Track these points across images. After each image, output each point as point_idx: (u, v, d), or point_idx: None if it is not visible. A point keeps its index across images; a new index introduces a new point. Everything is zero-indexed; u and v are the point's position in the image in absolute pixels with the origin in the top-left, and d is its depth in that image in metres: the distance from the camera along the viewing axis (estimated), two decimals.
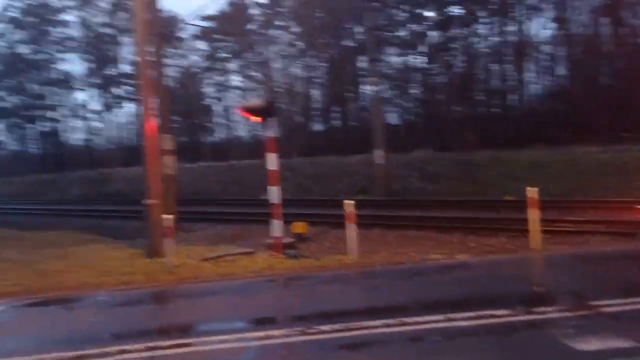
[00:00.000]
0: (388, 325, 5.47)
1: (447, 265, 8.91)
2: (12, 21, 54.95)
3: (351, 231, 9.45)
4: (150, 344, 5.42)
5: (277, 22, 44.15)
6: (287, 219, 11.10)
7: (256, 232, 14.63)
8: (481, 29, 35.71)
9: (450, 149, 26.03)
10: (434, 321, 5.50)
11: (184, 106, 45.53)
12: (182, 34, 46.22)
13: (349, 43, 40.14)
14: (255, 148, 43.65)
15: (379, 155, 20.78)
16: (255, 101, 12.27)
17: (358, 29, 37.34)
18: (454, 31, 35.75)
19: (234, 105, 47.89)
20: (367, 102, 40.21)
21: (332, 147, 32.49)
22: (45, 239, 14.04)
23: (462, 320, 5.49)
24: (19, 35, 55.24)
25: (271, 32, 44.57)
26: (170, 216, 9.43)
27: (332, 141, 36.49)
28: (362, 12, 21.77)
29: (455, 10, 35.09)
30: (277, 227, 10.15)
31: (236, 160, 35.66)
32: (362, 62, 37.35)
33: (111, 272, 9.35)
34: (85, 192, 38.13)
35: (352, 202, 9.66)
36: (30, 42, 54.43)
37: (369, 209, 16.19)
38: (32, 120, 57.11)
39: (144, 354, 5.25)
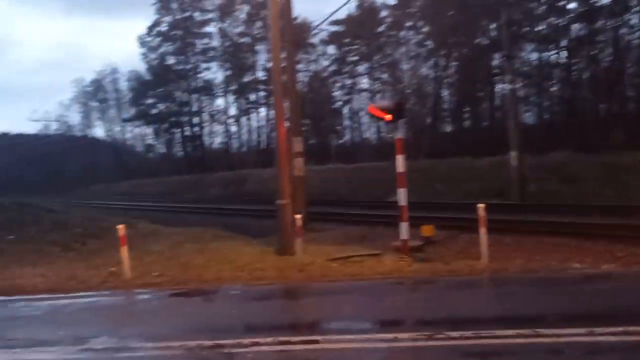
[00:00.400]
0: (522, 336, 5.16)
1: (589, 275, 8.21)
2: (162, 35, 60.22)
3: (483, 236, 9.06)
4: (282, 339, 5.62)
5: (406, 23, 43.75)
6: (414, 222, 10.91)
7: (382, 233, 14.59)
8: (634, 19, 32.50)
9: (593, 149, 23.94)
10: (575, 334, 5.10)
11: (313, 109, 46.80)
12: (313, 39, 47.44)
13: (482, 40, 38.69)
14: (381, 150, 43.72)
15: (513, 156, 19.72)
16: (385, 102, 12.20)
17: (492, 25, 35.90)
18: (601, 22, 32.93)
19: (364, 106, 48.24)
20: (500, 101, 38.49)
21: (461, 149, 31.45)
22: (188, 235, 15.10)
23: (607, 335, 5.02)
24: (167, 47, 60.41)
25: (400, 33, 44.30)
26: (300, 216, 9.69)
27: (461, 142, 35.31)
28: (498, 7, 20.80)
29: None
30: (404, 230, 10.02)
31: (363, 163, 35.88)
32: (496, 60, 35.84)
33: (245, 267, 9.83)
34: (223, 192, 40.61)
35: (484, 205, 9.25)
36: (177, 53, 59.22)
37: (502, 213, 15.40)
38: (178, 125, 62.14)
39: (276, 348, 5.45)
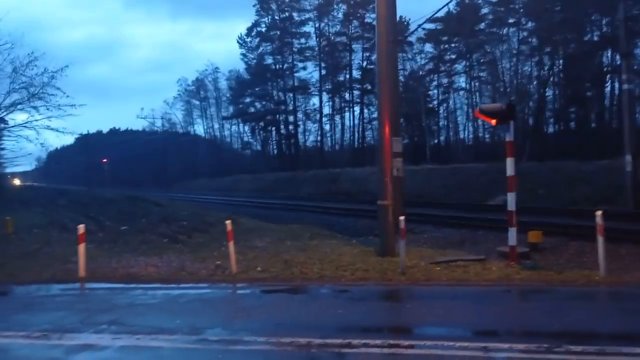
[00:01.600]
0: None
1: None
2: (261, 35, 62.01)
3: (601, 245, 8.47)
4: (392, 342, 5.56)
5: (509, 20, 42.05)
6: (519, 227, 10.44)
7: (483, 238, 14.14)
8: None
9: None
10: None
11: (408, 108, 46.23)
12: (410, 38, 46.86)
13: (592, 37, 36.38)
14: (478, 151, 42.35)
15: (628, 161, 18.32)
16: (494, 103, 11.77)
17: (604, 21, 33.66)
18: None
19: (461, 106, 46.93)
20: (610, 102, 36.02)
21: (567, 151, 29.77)
22: (288, 232, 15.39)
23: None
24: (266, 47, 62.13)
25: (502, 30, 42.66)
26: (403, 217, 9.56)
27: (567, 145, 33.42)
28: (615, 1, 19.39)
29: None
30: (513, 235, 9.60)
31: (459, 164, 34.94)
32: (608, 58, 33.58)
33: (347, 267, 9.85)
34: (316, 190, 41.12)
35: (602, 212, 8.65)
36: (275, 53, 60.73)
37: (616, 221, 14.37)
38: (273, 123, 63.74)
39: (385, 350, 5.40)
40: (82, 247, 10.22)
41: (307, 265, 10.15)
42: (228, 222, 10.26)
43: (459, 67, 49.69)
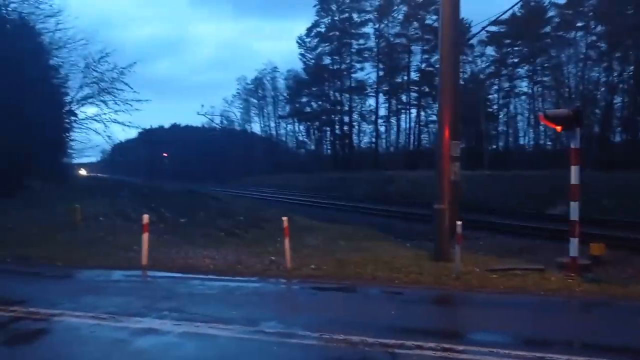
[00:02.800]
0: None
1: None
2: (320, 36, 62.42)
3: None
4: (445, 345, 5.55)
5: (577, 23, 40.63)
6: (580, 238, 10.11)
7: (541, 247, 13.77)
8: None
9: None
10: None
11: (467, 112, 45.38)
12: (472, 40, 46.07)
13: None
14: (538, 158, 41.11)
15: None
16: (559, 109, 11.46)
17: None
18: None
19: (522, 111, 45.72)
20: None
21: (635, 162, 28.46)
22: (341, 232, 15.49)
23: None
24: (324, 48, 62.48)
25: (569, 34, 41.26)
26: (460, 222, 9.46)
27: (636, 154, 31.94)
28: None
29: None
30: (574, 246, 9.32)
31: (518, 170, 34.01)
32: None
33: (400, 269, 9.84)
34: (369, 192, 40.98)
35: None
36: (333, 53, 60.99)
37: None
38: (329, 123, 64.03)
39: (438, 354, 5.39)
40: (145, 237, 10.66)
41: (361, 266, 10.21)
42: (285, 218, 10.44)
43: (521, 71, 48.40)
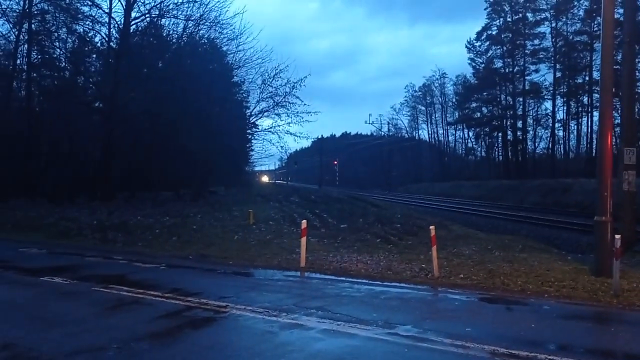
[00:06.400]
0: None
1: None
2: (491, 39, 60.34)
3: None
4: None
5: None
6: None
7: None
8: None
9: None
10: None
11: None
12: None
13: None
14: None
15: None
16: None
17: None
18: None
19: None
20: None
21: None
22: (498, 242, 15.06)
23: None
24: (495, 51, 60.23)
25: None
26: (619, 236, 8.81)
27: None
28: None
29: None
30: None
31: None
32: None
33: (553, 283, 9.45)
34: (543, 201, 38.60)
35: None
36: (505, 56, 58.50)
37: None
38: (500, 129, 61.41)
39: None
40: (304, 240, 11.65)
41: (511, 277, 10.01)
42: (432, 227, 10.65)
43: None
